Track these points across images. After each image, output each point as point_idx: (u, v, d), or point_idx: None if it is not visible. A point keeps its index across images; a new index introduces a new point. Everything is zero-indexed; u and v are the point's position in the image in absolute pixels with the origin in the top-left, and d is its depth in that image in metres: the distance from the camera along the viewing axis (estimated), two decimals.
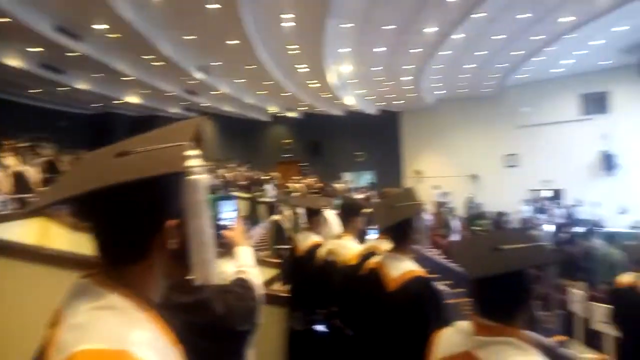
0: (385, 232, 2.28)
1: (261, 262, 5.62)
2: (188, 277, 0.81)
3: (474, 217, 15.58)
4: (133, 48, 10.29)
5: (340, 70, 14.01)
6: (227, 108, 17.87)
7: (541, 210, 16.12)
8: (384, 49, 12.16)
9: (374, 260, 2.25)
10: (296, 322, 3.35)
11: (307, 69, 13.24)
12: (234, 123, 20.49)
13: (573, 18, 10.70)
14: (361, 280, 2.27)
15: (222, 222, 1.82)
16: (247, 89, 15.83)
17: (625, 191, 15.46)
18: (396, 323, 1.98)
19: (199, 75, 12.43)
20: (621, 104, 16.27)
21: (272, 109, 19.29)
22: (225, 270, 1.60)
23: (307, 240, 3.41)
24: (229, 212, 1.85)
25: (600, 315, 4.66)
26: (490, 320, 1.29)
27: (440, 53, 12.43)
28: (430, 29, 10.81)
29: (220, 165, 14.45)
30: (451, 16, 10.10)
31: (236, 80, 14.54)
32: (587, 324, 5.28)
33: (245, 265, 1.59)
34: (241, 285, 1.41)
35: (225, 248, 1.73)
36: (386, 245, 2.30)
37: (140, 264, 0.79)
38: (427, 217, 13.45)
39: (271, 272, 5.32)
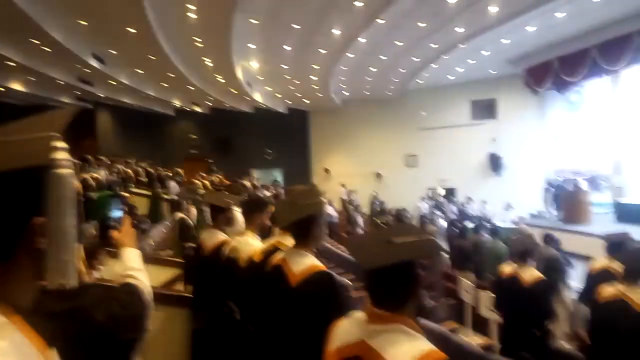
0: (288, 229, 2.28)
1: (163, 262, 5.37)
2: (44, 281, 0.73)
3: (377, 213, 16.27)
4: (18, 30, 9.23)
5: (249, 66, 13.81)
6: (127, 100, 16.77)
7: (437, 207, 17.31)
8: (292, 47, 12.21)
9: (277, 257, 2.24)
10: (199, 321, 3.26)
11: (214, 63, 12.88)
12: (136, 116, 19.34)
13: (464, 30, 11.58)
14: (265, 277, 2.25)
15: (111, 222, 1.70)
16: (148, 81, 14.98)
17: (509, 189, 17.11)
18: (299, 317, 1.99)
19: (94, 63, 11.50)
20: (507, 111, 17.99)
21: (178, 102, 18.52)
22: (117, 272, 1.49)
23: (213, 238, 3.33)
24: (117, 211, 1.73)
25: (486, 303, 5.07)
26: (382, 310, 1.34)
27: (347, 55, 12.80)
28: (337, 31, 11.07)
29: (118, 160, 13.52)
30: (356, 20, 10.43)
31: (137, 71, 13.69)
32: (475, 311, 5.71)
33: (131, 268, 1.47)
34: (126, 291, 1.30)
35: (115, 248, 1.61)
36: (289, 241, 2.30)
37: (4, 265, 0.72)
38: (334, 213, 13.82)
39: (174, 272, 5.10)
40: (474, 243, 8.10)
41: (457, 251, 8.21)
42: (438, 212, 16.70)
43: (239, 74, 13.46)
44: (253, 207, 3.19)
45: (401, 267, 1.36)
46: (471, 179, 18.47)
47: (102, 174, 9.67)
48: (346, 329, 1.46)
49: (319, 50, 12.41)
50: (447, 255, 8.81)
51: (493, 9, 10.32)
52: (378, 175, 19.97)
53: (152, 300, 1.36)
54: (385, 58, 13.70)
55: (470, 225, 10.63)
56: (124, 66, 13.11)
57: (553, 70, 13.83)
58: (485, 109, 18.46)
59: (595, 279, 4.06)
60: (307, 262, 2.11)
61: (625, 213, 12.76)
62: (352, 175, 19.52)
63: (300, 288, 2.04)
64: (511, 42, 12.87)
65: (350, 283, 5.12)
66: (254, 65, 13.81)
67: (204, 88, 15.36)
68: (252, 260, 2.67)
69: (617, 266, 3.87)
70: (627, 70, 13.63)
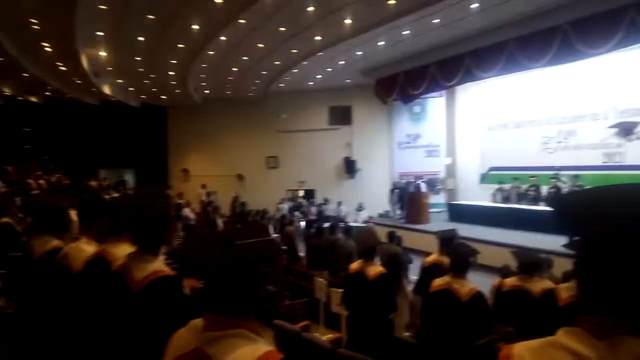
0: (132, 232, 2.10)
1: None
2: None
3: (238, 215, 16.12)
4: None
5: (96, 55, 12.57)
6: None
7: (297, 208, 17.82)
8: (147, 38, 11.45)
9: (119, 262, 2.05)
10: (22, 340, 2.83)
11: (55, 49, 11.45)
12: None
13: (321, 38, 12.10)
14: (103, 284, 2.04)
15: None
16: None
17: (361, 191, 18.35)
18: (141, 326, 1.86)
19: None
20: (360, 118, 19.29)
21: (8, 91, 16.04)
22: None
23: (45, 245, 2.91)
24: None
25: (337, 299, 5.32)
26: (221, 315, 1.29)
27: (207, 52, 12.45)
28: (196, 26, 10.69)
29: None
30: (216, 17, 10.20)
31: None
32: (328, 309, 5.96)
33: None
34: None
35: None
36: (126, 247, 2.12)
37: None
38: (191, 215, 13.32)
39: None
40: (329, 242, 8.45)
41: (314, 251, 8.49)
42: (297, 213, 17.20)
43: (85, 63, 12.19)
44: (90, 209, 2.88)
45: (241, 269, 1.32)
46: (328, 181, 19.39)
47: None
48: (183, 338, 1.38)
49: (177, 44, 11.85)
50: (303, 255, 9.09)
51: (347, 21, 10.97)
52: (240, 177, 19.81)
53: None
54: (247, 59, 13.65)
55: (326, 225, 11.11)
56: None
57: (399, 83, 15.22)
58: (342, 115, 19.56)
59: (428, 272, 4.54)
60: (151, 267, 1.97)
61: (457, 212, 14.58)
62: (213, 176, 19.08)
63: (142, 294, 1.91)
64: (363, 54, 13.83)
65: None
66: (103, 54, 12.62)
67: (43, 76, 13.57)
68: (85, 267, 2.40)
69: (445, 259, 4.39)
70: (461, 86, 15.69)
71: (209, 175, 19.05)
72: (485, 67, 12.47)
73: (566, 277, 4.60)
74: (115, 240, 2.31)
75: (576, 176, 12.07)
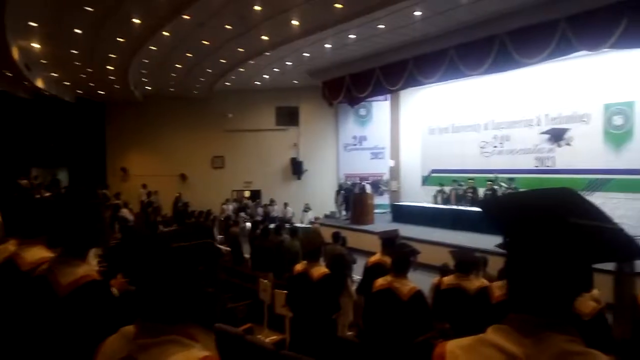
0: (52, 234, 1.98)
1: None
2: None
3: (180, 216, 15.68)
4: None
5: (29, 46, 11.79)
6: None
7: (242, 209, 17.61)
8: (84, 31, 10.87)
9: (41, 267, 1.93)
10: None
11: None
12: None
13: (268, 38, 12.03)
14: (24, 290, 1.91)
15: None
16: None
17: (308, 192, 18.41)
18: (68, 332, 1.76)
19: None
20: (307, 119, 19.33)
21: None
22: None
23: None
24: None
25: (281, 301, 5.30)
26: (154, 321, 1.24)
27: (149, 47, 12.02)
28: (137, 20, 10.28)
29: None
30: (159, 11, 9.86)
31: None
32: (272, 310, 5.92)
33: None
34: None
35: None
36: (38, 250, 2.00)
37: None
38: (129, 216, 12.82)
39: None
40: (274, 243, 8.41)
41: (259, 252, 8.42)
42: (243, 214, 17.00)
43: (16, 54, 11.42)
44: (17, 209, 2.68)
45: (176, 274, 1.27)
46: (275, 181, 19.30)
47: None
48: (114, 346, 1.31)
49: (117, 38, 11.35)
50: (247, 256, 8.99)
51: (295, 23, 10.96)
52: (183, 176, 19.28)
53: None
54: (191, 55, 13.31)
55: (272, 226, 11.05)
56: None
57: (345, 86, 15.40)
58: (289, 116, 19.52)
59: (371, 272, 4.61)
60: (78, 272, 1.87)
61: (400, 213, 14.96)
62: (154, 175, 18.44)
63: (68, 300, 1.81)
64: (311, 55, 13.88)
65: None
66: (36, 46, 11.86)
67: None
68: None
69: (387, 259, 4.48)
70: (405, 91, 16.12)
71: (150, 175, 18.40)
72: (427, 73, 12.87)
73: (500, 275, 4.83)
74: (28, 243, 2.17)
75: (511, 179, 12.73)
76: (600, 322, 2.70)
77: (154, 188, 17.62)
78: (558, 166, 12.77)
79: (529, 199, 0.98)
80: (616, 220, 0.90)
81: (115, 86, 15.90)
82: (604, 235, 0.87)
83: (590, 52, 10.35)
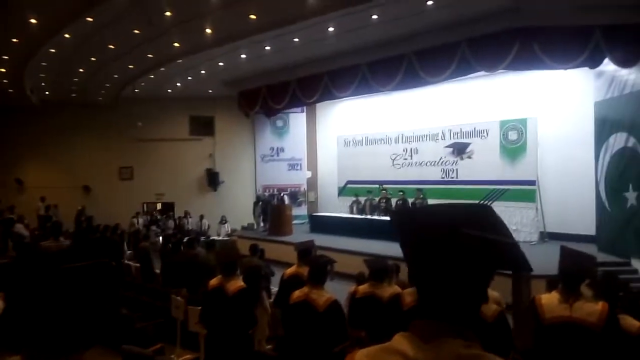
0: None
1: None
2: None
3: (84, 230, 14.55)
4: None
5: None
6: None
7: (154, 222, 16.76)
8: None
9: None
10: None
11: None
12: None
13: (180, 45, 11.65)
14: None
15: None
16: None
17: (225, 204, 17.99)
18: None
19: None
20: (223, 129, 18.94)
21: None
22: None
23: None
24: None
25: (195, 317, 5.08)
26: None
27: (48, 50, 11.11)
28: (33, 20, 9.44)
29: None
30: (59, 12, 9.15)
31: None
32: (186, 328, 5.66)
33: None
34: None
35: None
36: None
37: None
38: (24, 232, 11.69)
39: None
40: (187, 258, 8.07)
41: (171, 267, 8.04)
42: (155, 228, 16.17)
43: None
44: None
45: (70, 295, 1.16)
46: (190, 193, 18.62)
47: None
48: None
49: (11, 39, 10.35)
50: (158, 272, 8.54)
51: (208, 31, 10.73)
52: (86, 188, 17.93)
53: None
54: (95, 59, 12.49)
55: (185, 240, 10.63)
56: None
57: (261, 97, 15.33)
58: (204, 126, 19.01)
59: (287, 284, 4.58)
60: None
61: (318, 224, 15.13)
62: (54, 187, 16.96)
63: None
64: (225, 65, 13.65)
65: None
66: None
67: None
68: None
69: (304, 270, 4.48)
70: (321, 103, 16.41)
71: (49, 187, 16.87)
72: (341, 87, 13.24)
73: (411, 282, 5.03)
74: None
75: (419, 189, 13.42)
76: (501, 324, 2.87)
77: (53, 201, 16.19)
78: (460, 177, 13.72)
79: (425, 214, 1.05)
80: (512, 227, 0.98)
81: (9, 90, 14.46)
82: (496, 248, 0.93)
83: (488, 73, 11.31)
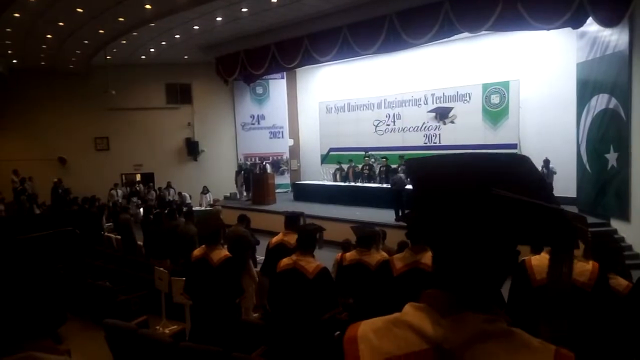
0: None
1: None
2: None
3: (61, 203, 14.22)
4: None
5: None
6: None
7: (134, 194, 16.44)
8: None
9: None
10: None
11: None
12: None
13: (152, 7, 11.09)
14: None
15: None
16: None
17: (206, 173, 17.71)
18: None
19: None
20: (201, 96, 18.45)
21: None
22: None
23: None
24: None
25: (179, 288, 4.98)
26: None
27: (11, 14, 10.48)
28: None
29: None
30: None
31: None
32: (170, 300, 5.57)
33: None
34: None
35: None
36: None
37: None
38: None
39: None
40: (169, 229, 7.92)
41: (153, 239, 7.89)
42: (135, 199, 15.89)
43: None
44: None
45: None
46: (169, 163, 18.27)
47: None
48: None
49: None
50: (141, 244, 8.40)
51: None
52: (62, 160, 17.42)
53: None
54: (63, 24, 11.86)
55: (165, 211, 10.43)
56: None
57: (240, 62, 14.87)
58: (181, 94, 18.49)
59: (273, 252, 4.49)
60: None
61: (301, 192, 15.06)
62: (27, 160, 16.47)
63: None
64: (201, 28, 13.13)
65: None
66: None
67: None
68: None
69: (290, 239, 4.39)
70: (301, 69, 16.03)
71: (22, 160, 16.36)
72: (322, 51, 12.89)
73: (401, 247, 4.99)
74: None
75: (401, 156, 13.33)
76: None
77: (27, 174, 15.72)
78: (443, 142, 13.69)
79: (457, 164, 0.86)
80: None
81: None
82: (535, 215, 0.76)
83: (470, 35, 11.10)
